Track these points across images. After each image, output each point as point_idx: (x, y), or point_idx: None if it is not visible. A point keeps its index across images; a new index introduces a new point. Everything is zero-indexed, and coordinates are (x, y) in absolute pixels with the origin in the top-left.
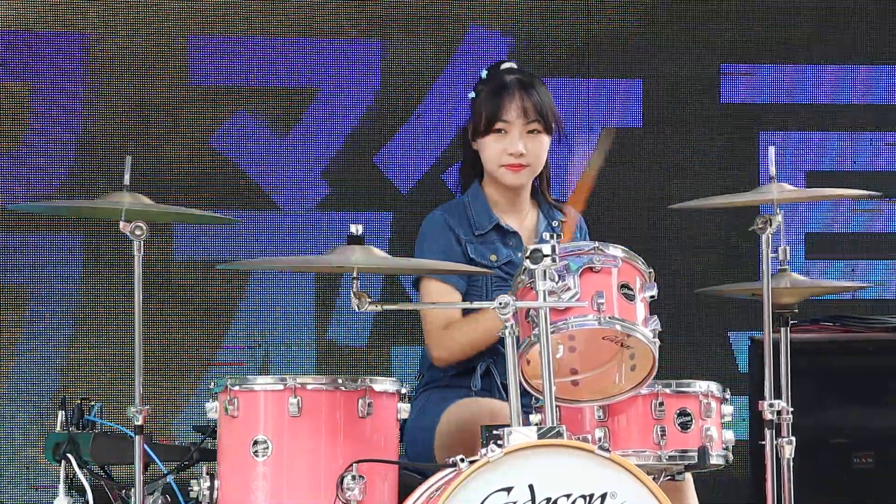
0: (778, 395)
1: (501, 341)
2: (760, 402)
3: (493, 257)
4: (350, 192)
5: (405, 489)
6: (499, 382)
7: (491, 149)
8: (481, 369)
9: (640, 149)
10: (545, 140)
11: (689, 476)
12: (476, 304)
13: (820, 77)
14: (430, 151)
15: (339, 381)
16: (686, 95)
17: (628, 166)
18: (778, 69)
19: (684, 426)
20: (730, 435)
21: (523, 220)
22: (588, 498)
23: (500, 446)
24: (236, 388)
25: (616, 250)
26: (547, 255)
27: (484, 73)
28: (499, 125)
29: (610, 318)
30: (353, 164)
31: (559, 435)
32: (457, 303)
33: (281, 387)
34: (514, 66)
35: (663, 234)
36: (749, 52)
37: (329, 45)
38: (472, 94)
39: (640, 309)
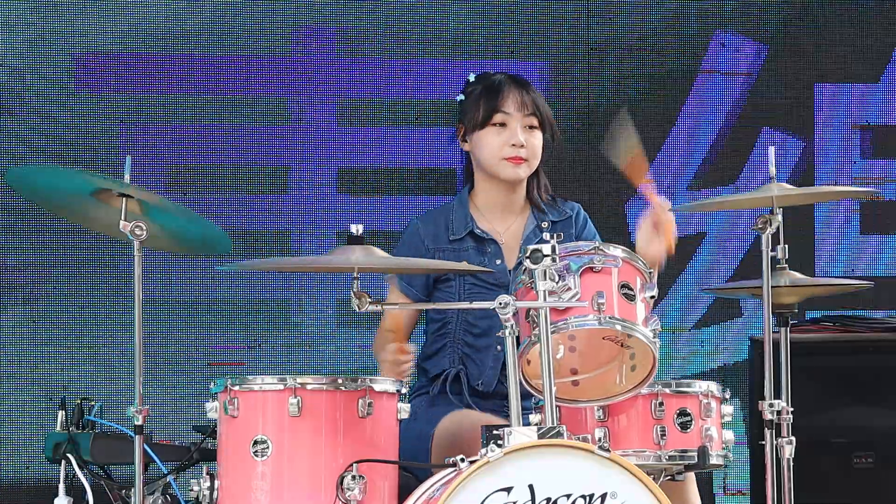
0: (778, 395)
1: (476, 338)
2: (760, 402)
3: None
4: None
5: (405, 489)
6: (467, 387)
7: (490, 143)
8: (450, 377)
9: None
10: (540, 137)
11: (691, 475)
12: (476, 305)
13: None
14: None
15: (339, 381)
16: None
17: None
18: None
19: (684, 426)
20: (730, 435)
21: (510, 224)
22: (588, 498)
23: (500, 446)
24: (236, 388)
25: (616, 250)
26: (547, 255)
27: (472, 77)
28: (498, 117)
29: (610, 318)
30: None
31: (559, 435)
32: (456, 303)
33: (281, 387)
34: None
35: None
36: None
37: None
38: (460, 97)
39: (641, 309)
